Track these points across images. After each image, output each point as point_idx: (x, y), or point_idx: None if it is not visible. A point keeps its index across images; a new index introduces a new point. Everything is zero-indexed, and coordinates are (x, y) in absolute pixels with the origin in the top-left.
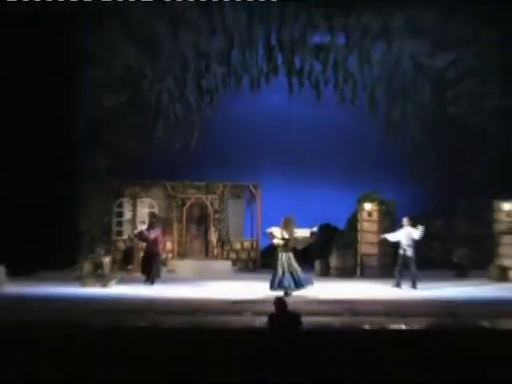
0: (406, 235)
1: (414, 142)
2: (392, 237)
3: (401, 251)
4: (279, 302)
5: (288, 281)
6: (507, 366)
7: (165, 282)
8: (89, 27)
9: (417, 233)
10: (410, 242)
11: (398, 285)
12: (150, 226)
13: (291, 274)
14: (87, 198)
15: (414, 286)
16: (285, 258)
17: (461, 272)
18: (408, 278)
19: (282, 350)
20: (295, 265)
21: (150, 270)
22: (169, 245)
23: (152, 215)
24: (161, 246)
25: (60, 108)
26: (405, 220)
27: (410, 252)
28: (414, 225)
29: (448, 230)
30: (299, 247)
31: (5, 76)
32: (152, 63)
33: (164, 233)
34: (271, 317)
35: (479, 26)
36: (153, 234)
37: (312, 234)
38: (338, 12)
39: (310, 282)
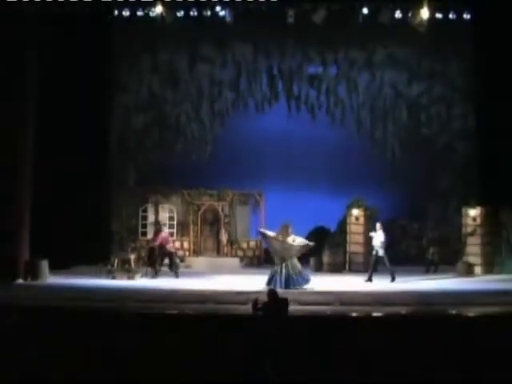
0: (378, 238)
1: (393, 157)
2: (373, 236)
3: (373, 252)
4: (271, 292)
5: (279, 282)
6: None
7: (176, 276)
8: (122, 61)
9: (381, 236)
10: (380, 244)
11: (369, 279)
12: (156, 233)
13: (287, 275)
14: (119, 203)
15: (392, 279)
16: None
17: (432, 267)
18: (387, 273)
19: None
20: (296, 266)
21: (152, 264)
22: (185, 244)
23: (156, 223)
24: (170, 246)
25: (97, 127)
26: (378, 225)
27: (381, 252)
28: (389, 228)
29: (423, 231)
30: (295, 255)
31: (50, 98)
32: (173, 90)
33: (167, 236)
34: (264, 305)
35: (447, 61)
36: (158, 240)
37: (307, 246)
38: (329, 47)
39: (305, 282)
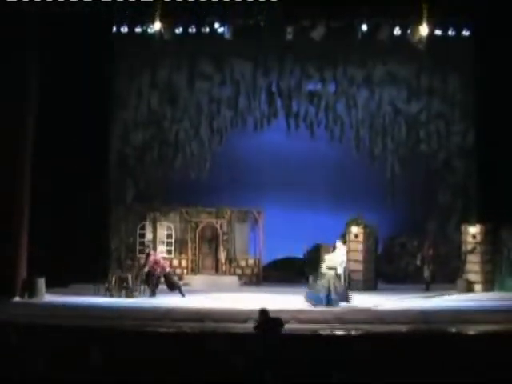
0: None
1: (392, 173)
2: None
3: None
4: (263, 312)
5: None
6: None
7: (182, 295)
8: (121, 77)
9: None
10: (340, 262)
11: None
12: (146, 257)
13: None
14: (117, 220)
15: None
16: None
17: (429, 285)
18: (387, 291)
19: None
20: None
21: (149, 284)
22: (184, 262)
23: (146, 245)
24: (160, 269)
25: (96, 142)
26: (337, 242)
27: (340, 270)
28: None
29: (421, 248)
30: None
31: (48, 114)
32: (172, 107)
33: (158, 259)
34: (258, 325)
35: (446, 77)
36: (148, 265)
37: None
38: (328, 64)
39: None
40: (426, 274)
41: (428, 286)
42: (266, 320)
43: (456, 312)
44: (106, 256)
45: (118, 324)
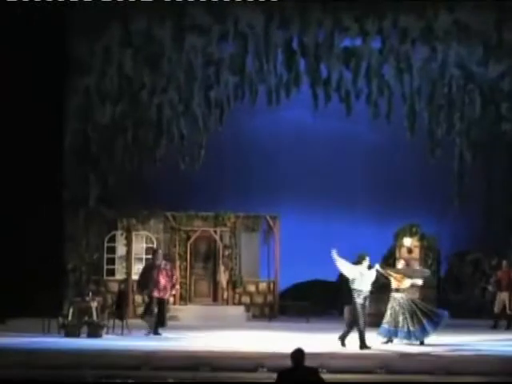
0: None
1: (461, 165)
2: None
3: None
4: (297, 353)
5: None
6: None
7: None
8: (80, 32)
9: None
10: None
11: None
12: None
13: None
14: (76, 230)
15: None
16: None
17: (502, 322)
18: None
19: None
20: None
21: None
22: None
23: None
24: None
25: (45, 122)
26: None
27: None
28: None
29: (497, 268)
30: None
31: None
32: (152, 72)
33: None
34: (283, 373)
35: None
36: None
37: None
38: (370, 12)
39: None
40: (498, 305)
41: (497, 322)
42: (297, 367)
43: None
44: (61, 279)
45: (77, 375)
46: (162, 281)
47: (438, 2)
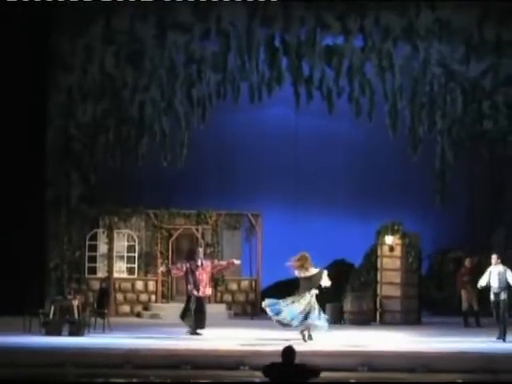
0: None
1: (443, 163)
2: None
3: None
4: (288, 351)
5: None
6: None
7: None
8: (63, 29)
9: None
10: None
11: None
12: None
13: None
14: (58, 228)
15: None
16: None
17: (467, 318)
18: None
19: None
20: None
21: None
22: (151, 284)
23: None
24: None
25: (27, 120)
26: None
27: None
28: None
29: (485, 268)
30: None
31: None
32: (134, 70)
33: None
34: (273, 368)
35: None
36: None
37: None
38: (353, 10)
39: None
40: (464, 303)
41: (466, 319)
42: (288, 365)
43: None
44: (42, 277)
45: (59, 373)
46: (204, 279)
47: (420, 1)
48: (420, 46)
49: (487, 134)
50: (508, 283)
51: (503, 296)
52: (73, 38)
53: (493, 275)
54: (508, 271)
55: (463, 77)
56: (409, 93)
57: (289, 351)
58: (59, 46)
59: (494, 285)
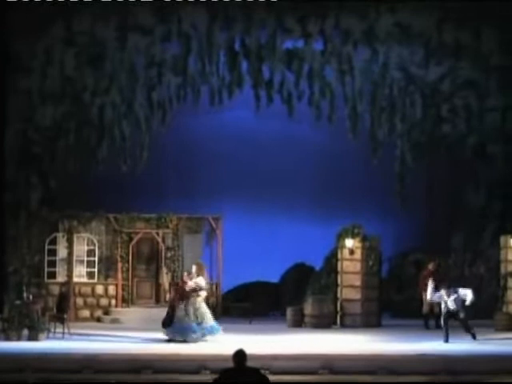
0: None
1: (402, 166)
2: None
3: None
4: (239, 354)
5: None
6: None
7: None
8: (21, 30)
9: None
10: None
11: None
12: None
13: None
14: (17, 232)
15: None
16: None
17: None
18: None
19: None
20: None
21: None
22: (111, 289)
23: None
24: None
25: None
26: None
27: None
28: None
29: (444, 270)
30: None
31: None
32: (95, 72)
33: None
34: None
35: (478, 31)
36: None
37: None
38: (313, 14)
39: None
40: (425, 305)
41: (427, 322)
42: (239, 369)
43: (493, 358)
44: (1, 282)
45: (18, 378)
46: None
47: (380, 4)
48: (380, 49)
49: (446, 138)
50: (463, 302)
51: (462, 315)
52: (32, 40)
53: (449, 301)
54: (460, 291)
55: (422, 80)
56: (369, 96)
57: (240, 354)
58: (18, 48)
59: (451, 307)
